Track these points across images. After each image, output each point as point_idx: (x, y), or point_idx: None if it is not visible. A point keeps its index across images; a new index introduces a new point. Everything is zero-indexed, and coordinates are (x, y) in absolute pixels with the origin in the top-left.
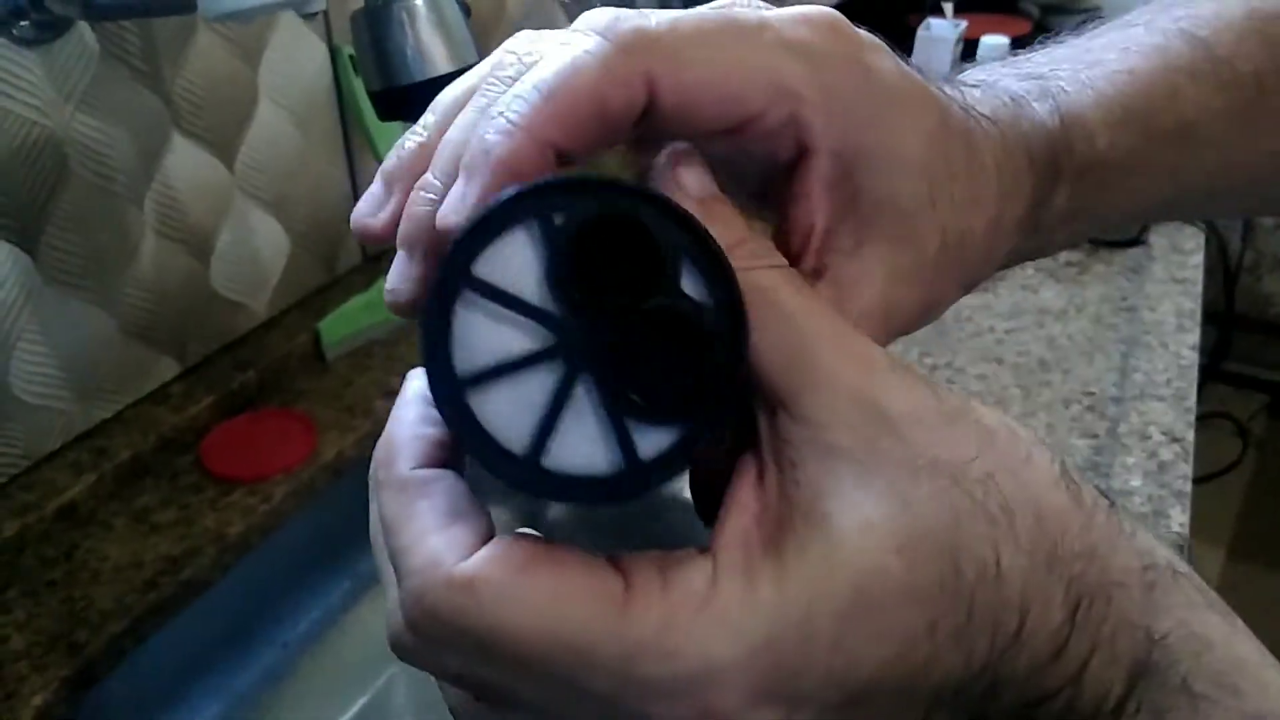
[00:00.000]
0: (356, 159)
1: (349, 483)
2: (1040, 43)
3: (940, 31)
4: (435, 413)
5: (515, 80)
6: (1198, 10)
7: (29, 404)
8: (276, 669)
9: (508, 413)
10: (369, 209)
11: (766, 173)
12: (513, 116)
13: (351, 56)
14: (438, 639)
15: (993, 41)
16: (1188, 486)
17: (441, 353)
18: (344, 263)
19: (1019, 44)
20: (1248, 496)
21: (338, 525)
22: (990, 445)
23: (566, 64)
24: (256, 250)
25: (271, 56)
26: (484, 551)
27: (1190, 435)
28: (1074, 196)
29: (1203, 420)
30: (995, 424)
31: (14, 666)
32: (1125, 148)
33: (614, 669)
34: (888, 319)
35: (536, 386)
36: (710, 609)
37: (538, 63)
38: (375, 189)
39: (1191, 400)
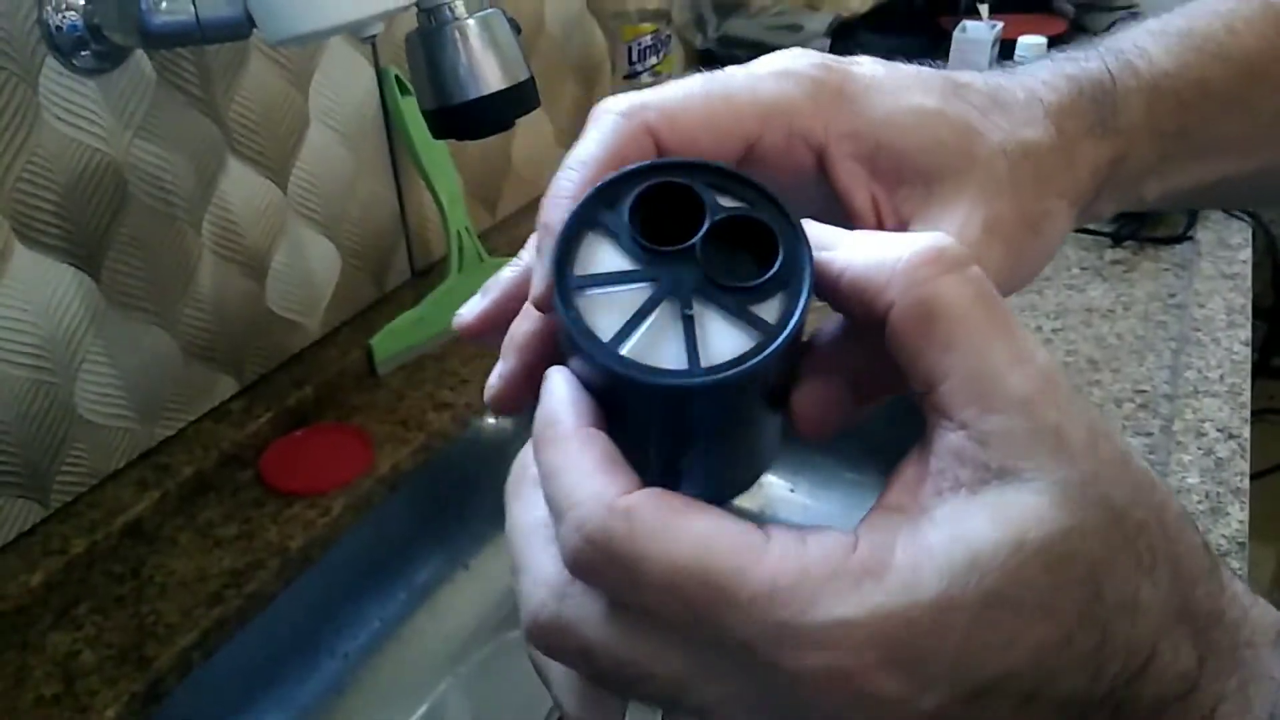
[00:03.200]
0: (403, 178)
1: (405, 495)
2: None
3: (976, 33)
4: (584, 393)
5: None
6: None
7: (95, 424)
8: (337, 680)
9: (604, 311)
10: (465, 309)
11: (817, 195)
12: (561, 191)
13: (398, 78)
14: (591, 570)
15: (1030, 41)
16: (1246, 483)
17: (563, 265)
18: (393, 280)
19: (1056, 43)
20: None
21: (394, 537)
22: (1150, 495)
23: (592, 140)
24: (310, 269)
25: (321, 80)
26: (641, 493)
27: (1246, 431)
28: (1150, 118)
29: (1258, 416)
30: (1155, 478)
31: (86, 681)
32: (1183, 61)
33: (749, 609)
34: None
35: (629, 298)
36: (845, 573)
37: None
38: (475, 296)
39: (1246, 396)
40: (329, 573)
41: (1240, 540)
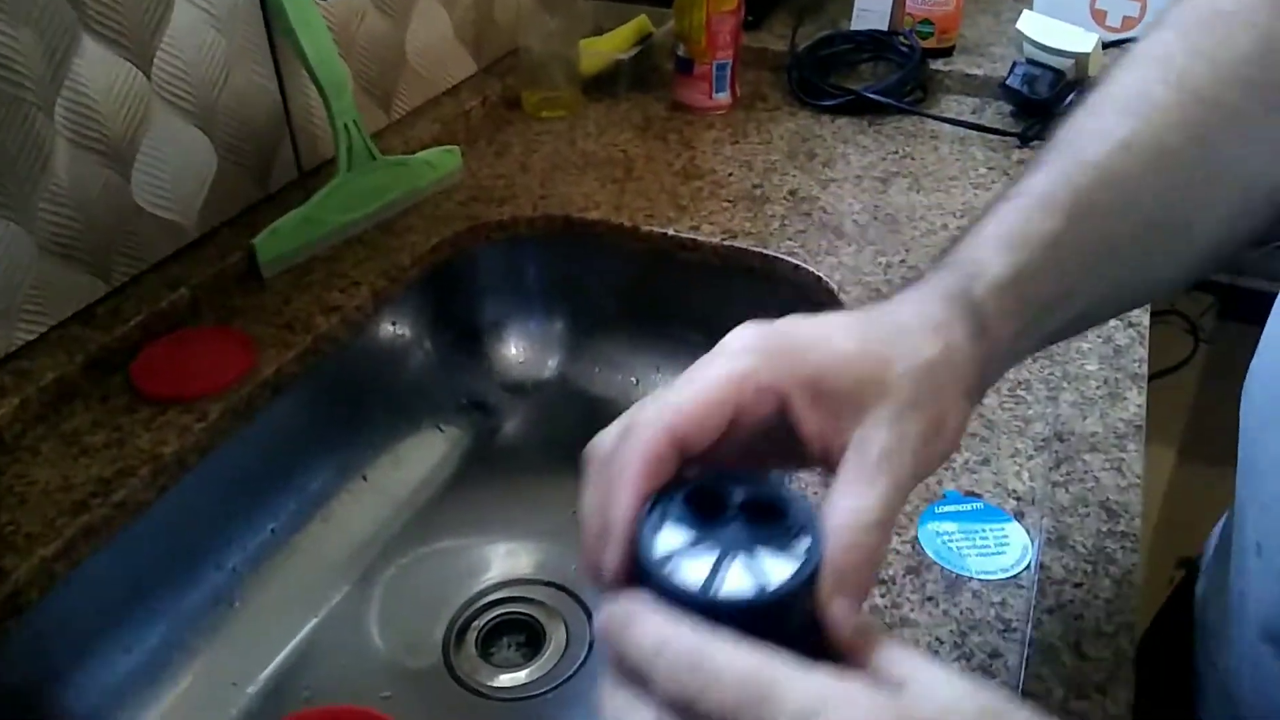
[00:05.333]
0: (285, 69)
1: (292, 401)
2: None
3: None
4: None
5: None
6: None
7: None
8: (226, 591)
9: (689, 575)
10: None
11: (781, 426)
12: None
13: None
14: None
15: None
16: (1144, 369)
17: (645, 555)
18: (279, 178)
19: None
20: (1199, 393)
21: (282, 444)
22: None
23: (632, 457)
24: (182, 163)
25: None
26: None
27: (1146, 320)
28: (1000, 313)
29: (1155, 318)
30: None
31: None
32: (1008, 261)
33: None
34: (896, 458)
35: (703, 560)
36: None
37: None
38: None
39: None
40: (210, 482)
41: (1138, 424)
